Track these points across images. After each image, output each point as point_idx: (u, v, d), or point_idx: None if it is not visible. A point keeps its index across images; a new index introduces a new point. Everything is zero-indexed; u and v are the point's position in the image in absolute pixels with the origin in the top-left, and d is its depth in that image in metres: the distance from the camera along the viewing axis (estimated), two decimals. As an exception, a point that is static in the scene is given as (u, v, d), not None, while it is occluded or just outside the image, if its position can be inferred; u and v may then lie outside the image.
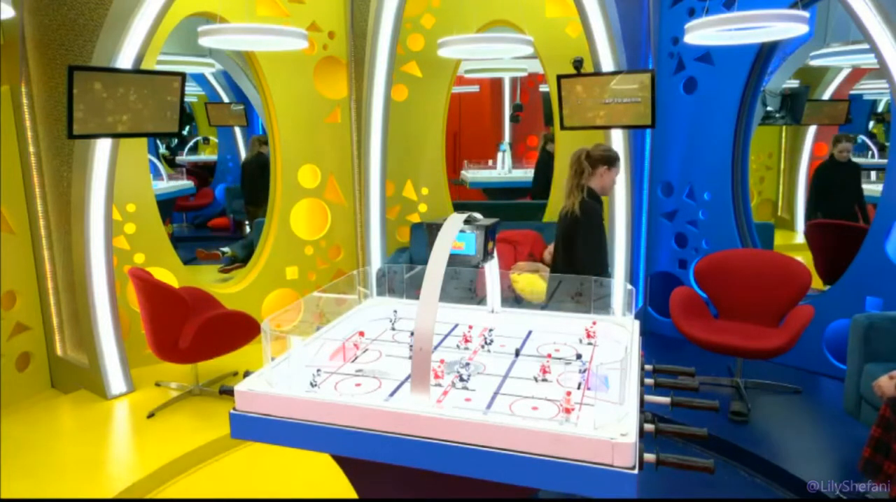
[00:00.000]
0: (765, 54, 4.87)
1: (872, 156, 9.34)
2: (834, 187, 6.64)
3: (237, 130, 10.05)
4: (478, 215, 2.04)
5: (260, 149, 7.75)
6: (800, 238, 8.52)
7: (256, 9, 4.85)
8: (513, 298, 3.92)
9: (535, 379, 1.89)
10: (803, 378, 4.46)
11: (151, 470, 3.37)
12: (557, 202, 5.85)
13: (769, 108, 8.05)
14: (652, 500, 3.18)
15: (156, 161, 8.39)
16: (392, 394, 1.80)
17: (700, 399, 1.87)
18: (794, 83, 8.31)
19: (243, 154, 10.10)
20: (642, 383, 1.91)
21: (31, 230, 4.30)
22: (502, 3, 5.47)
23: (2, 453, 3.48)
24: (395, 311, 2.43)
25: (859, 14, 3.90)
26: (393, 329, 2.38)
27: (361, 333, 2.22)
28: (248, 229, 8.71)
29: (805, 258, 4.88)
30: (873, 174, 8.37)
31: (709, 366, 4.50)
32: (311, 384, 1.79)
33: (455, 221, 1.82)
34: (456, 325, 2.39)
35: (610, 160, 3.49)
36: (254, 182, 7.62)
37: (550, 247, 4.85)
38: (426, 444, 1.56)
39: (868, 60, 6.61)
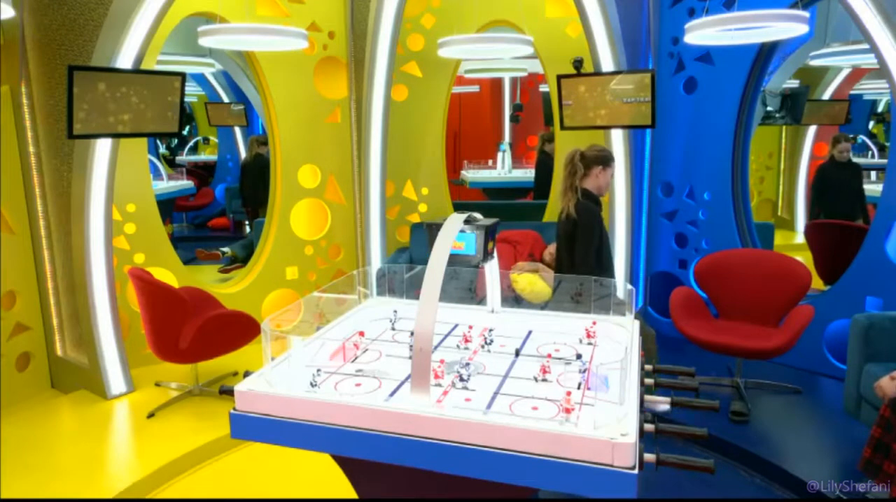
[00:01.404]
0: (765, 54, 4.87)
1: (872, 156, 9.35)
2: (835, 187, 6.65)
3: (237, 130, 10.06)
4: (478, 215, 2.04)
5: (258, 149, 7.76)
6: (800, 238, 8.52)
7: (256, 9, 4.85)
8: (513, 298, 3.92)
9: (535, 379, 1.89)
10: (803, 378, 4.46)
11: (151, 470, 3.37)
12: (557, 202, 5.85)
13: (769, 108, 8.06)
14: (652, 500, 3.18)
15: (156, 161, 8.40)
16: (392, 394, 1.80)
17: (700, 399, 1.87)
18: (794, 83, 8.31)
19: (243, 154, 10.11)
20: (642, 383, 1.91)
21: (31, 230, 4.30)
22: (502, 3, 5.47)
23: (2, 453, 3.48)
24: (395, 311, 2.43)
25: (859, 14, 3.90)
26: (393, 329, 2.38)
27: (361, 333, 2.22)
28: (247, 229, 8.72)
29: (805, 258, 4.88)
30: (873, 174, 8.38)
31: (709, 366, 4.50)
32: (311, 384, 1.79)
33: (455, 221, 1.82)
34: (456, 325, 2.39)
35: (605, 160, 3.47)
36: (254, 183, 7.66)
37: (550, 248, 4.86)
38: (426, 444, 1.56)
39: (868, 60, 6.61)
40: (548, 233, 5.22)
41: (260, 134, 9.06)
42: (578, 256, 3.39)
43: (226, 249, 7.56)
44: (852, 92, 8.81)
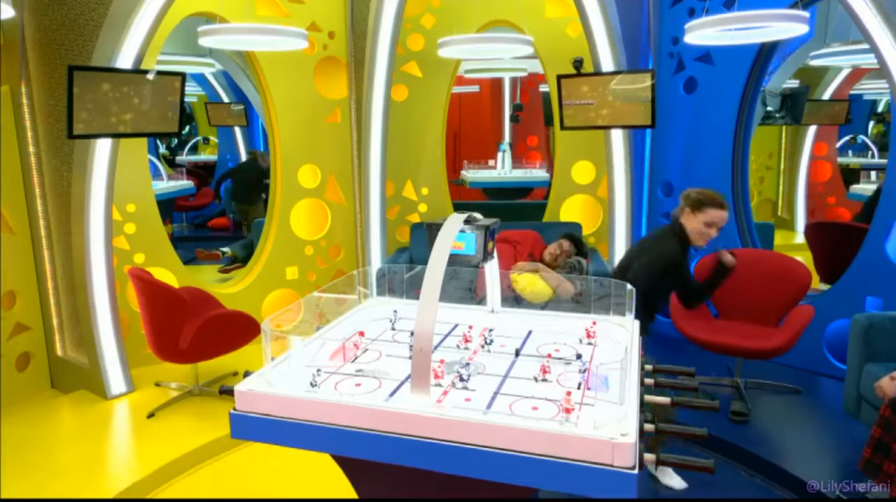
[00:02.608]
0: (765, 54, 4.87)
1: (872, 156, 9.35)
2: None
3: (237, 130, 10.06)
4: (478, 215, 2.03)
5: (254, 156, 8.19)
6: (800, 238, 8.52)
7: (256, 9, 4.85)
8: (513, 298, 3.91)
9: (535, 380, 1.89)
10: (803, 378, 4.46)
11: (151, 470, 3.37)
12: (557, 201, 5.86)
13: (769, 108, 8.06)
14: (652, 500, 3.18)
15: (156, 161, 8.41)
16: (392, 394, 1.79)
17: (700, 399, 1.87)
18: (794, 83, 8.31)
19: (243, 154, 10.14)
20: (642, 383, 1.91)
21: (31, 230, 4.30)
22: (502, 3, 5.47)
23: (2, 453, 3.48)
24: (395, 311, 2.43)
25: (859, 14, 3.90)
26: (393, 329, 2.38)
27: (361, 333, 2.22)
28: (246, 229, 8.74)
29: (805, 258, 4.88)
30: (873, 174, 8.38)
31: (709, 366, 4.50)
32: (311, 384, 1.79)
33: (455, 221, 1.82)
34: (456, 325, 2.39)
35: (694, 202, 3.17)
36: (249, 185, 8.11)
37: (550, 248, 4.86)
38: (426, 444, 1.56)
39: (868, 60, 6.61)
40: (548, 233, 5.21)
41: (261, 135, 9.24)
42: (632, 272, 3.21)
43: (226, 249, 7.57)
44: (852, 92, 8.81)
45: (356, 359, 2.08)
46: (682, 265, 3.33)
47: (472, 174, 9.07)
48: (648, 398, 1.85)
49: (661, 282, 3.24)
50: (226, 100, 10.03)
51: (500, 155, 9.27)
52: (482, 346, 2.17)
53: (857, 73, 8.54)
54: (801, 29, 3.64)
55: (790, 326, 3.92)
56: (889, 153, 4.57)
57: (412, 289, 2.59)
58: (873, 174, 8.39)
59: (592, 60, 4.88)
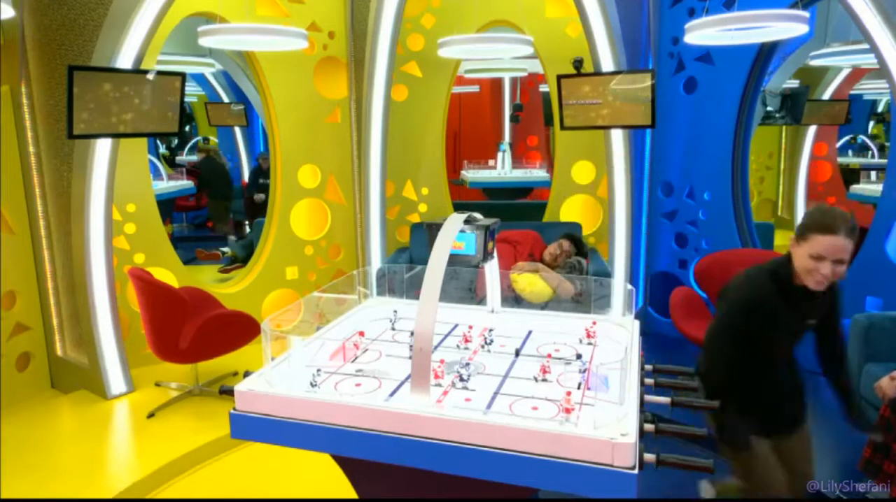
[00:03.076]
0: (765, 54, 4.87)
1: (872, 156, 9.35)
2: None
3: (237, 130, 10.05)
4: (478, 215, 2.04)
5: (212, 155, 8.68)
6: (800, 238, 8.50)
7: (256, 9, 4.85)
8: (513, 298, 3.92)
9: (535, 380, 1.89)
10: (803, 378, 4.44)
11: (151, 470, 3.37)
12: (557, 201, 5.86)
13: (769, 108, 8.06)
14: (652, 500, 3.17)
15: (156, 161, 8.41)
16: (392, 394, 1.80)
17: (700, 399, 1.87)
18: (794, 83, 8.31)
19: (243, 154, 10.13)
20: (642, 383, 1.91)
21: (31, 230, 4.30)
22: (502, 3, 5.47)
23: (2, 453, 3.48)
24: (395, 311, 2.43)
25: (859, 14, 3.90)
26: (393, 329, 2.38)
27: (361, 333, 2.22)
28: (248, 229, 8.75)
29: (805, 258, 4.87)
30: (873, 174, 8.38)
31: (709, 366, 4.49)
32: (311, 384, 1.79)
33: (455, 221, 1.82)
34: (456, 325, 2.39)
35: (799, 227, 2.33)
36: (211, 179, 8.63)
37: (551, 248, 4.86)
38: (426, 444, 1.56)
39: (868, 60, 6.61)
40: (548, 233, 5.21)
41: (261, 135, 9.21)
42: (708, 334, 2.54)
43: (226, 249, 7.58)
44: (852, 92, 8.81)
45: (356, 359, 2.08)
46: (780, 313, 2.38)
47: (472, 174, 9.07)
48: (649, 398, 1.86)
49: (745, 336, 2.38)
50: (226, 100, 10.03)
51: (500, 155, 9.27)
52: (482, 346, 2.17)
53: (857, 73, 8.53)
54: (801, 29, 3.64)
55: (790, 326, 3.91)
56: (889, 153, 4.57)
57: (412, 289, 2.59)
58: (873, 174, 8.38)
59: (592, 60, 4.87)
